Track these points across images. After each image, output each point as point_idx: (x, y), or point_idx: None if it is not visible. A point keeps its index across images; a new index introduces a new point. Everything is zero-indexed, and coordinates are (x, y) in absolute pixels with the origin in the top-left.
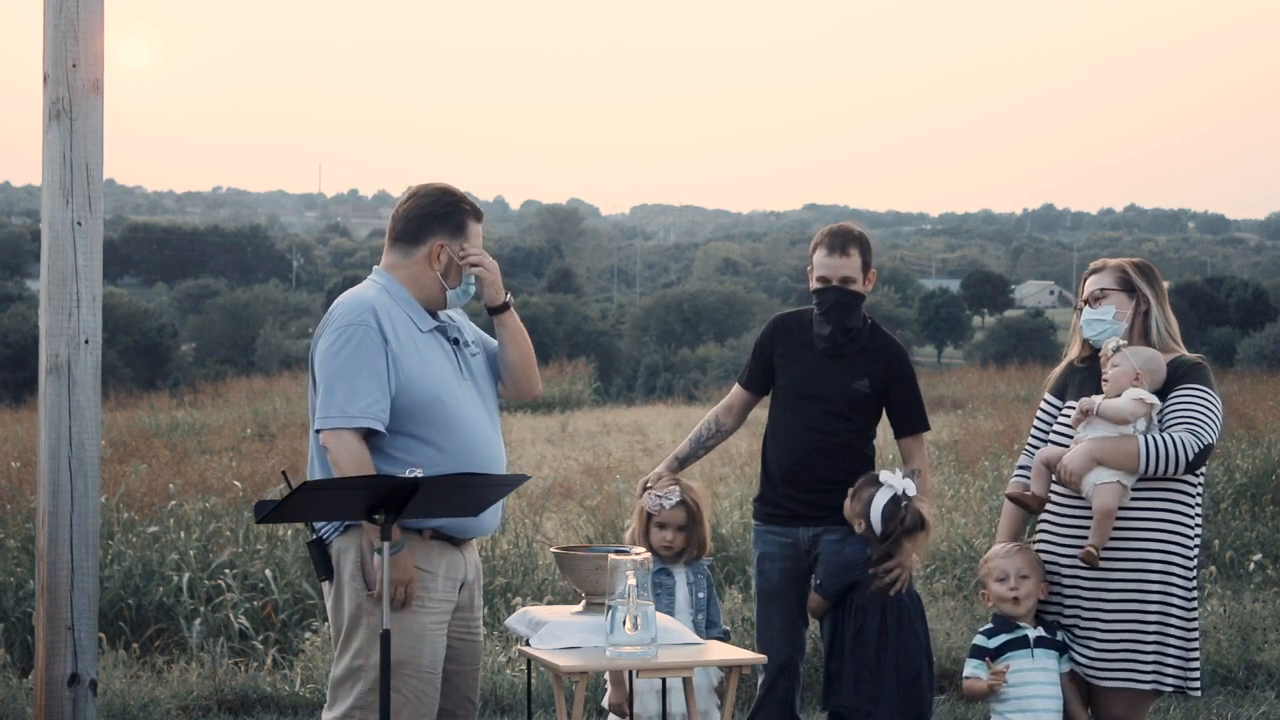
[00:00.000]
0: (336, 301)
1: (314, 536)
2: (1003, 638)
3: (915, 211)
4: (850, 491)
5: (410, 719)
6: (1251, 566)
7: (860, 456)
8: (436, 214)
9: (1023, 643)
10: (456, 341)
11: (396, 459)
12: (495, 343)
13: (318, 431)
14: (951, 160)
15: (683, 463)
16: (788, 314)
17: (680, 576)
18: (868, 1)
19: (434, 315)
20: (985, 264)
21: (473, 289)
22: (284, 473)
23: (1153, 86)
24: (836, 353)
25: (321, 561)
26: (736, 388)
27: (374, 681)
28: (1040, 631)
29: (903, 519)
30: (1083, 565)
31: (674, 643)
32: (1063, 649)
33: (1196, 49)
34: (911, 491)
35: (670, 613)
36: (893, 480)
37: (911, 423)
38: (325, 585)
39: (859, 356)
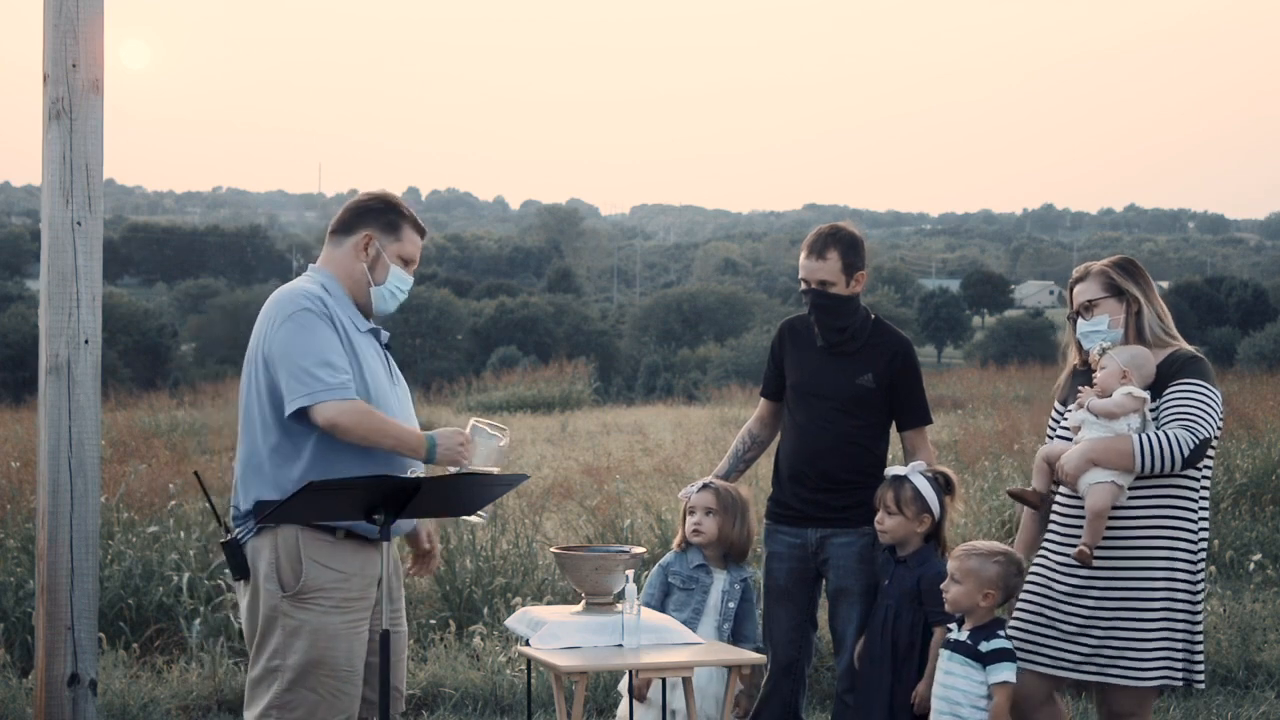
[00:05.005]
0: (276, 294)
1: (228, 537)
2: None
3: (915, 211)
4: (888, 509)
5: (326, 715)
6: (1251, 566)
7: (870, 456)
8: (372, 209)
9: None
10: (388, 347)
11: (324, 458)
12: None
13: (300, 410)
14: (951, 160)
15: (723, 479)
16: (794, 317)
17: (719, 580)
18: (867, 0)
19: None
20: (985, 264)
21: (400, 298)
22: (195, 473)
23: (1152, 86)
24: (839, 350)
25: (237, 562)
26: (761, 399)
27: (290, 681)
28: (962, 636)
29: (945, 487)
30: (1100, 571)
31: (674, 643)
32: (989, 659)
33: (1196, 48)
34: (922, 468)
35: (700, 611)
36: (907, 469)
37: (915, 416)
38: (240, 585)
39: (862, 353)
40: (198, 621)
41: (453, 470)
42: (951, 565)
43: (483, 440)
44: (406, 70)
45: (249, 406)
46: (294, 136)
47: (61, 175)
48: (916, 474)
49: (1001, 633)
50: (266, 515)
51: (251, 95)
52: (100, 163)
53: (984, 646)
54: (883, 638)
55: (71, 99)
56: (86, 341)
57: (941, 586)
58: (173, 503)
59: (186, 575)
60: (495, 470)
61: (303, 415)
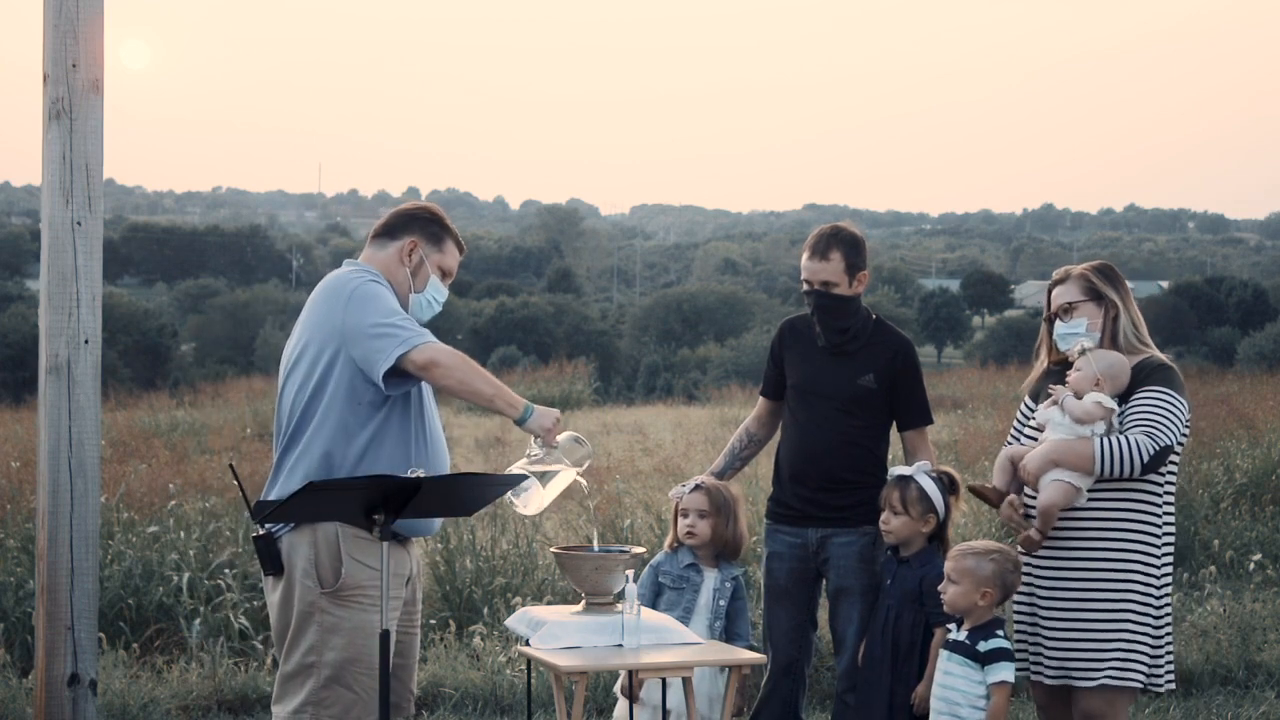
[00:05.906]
0: (329, 282)
1: (262, 532)
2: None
3: (915, 211)
4: (893, 509)
5: (362, 714)
6: (1251, 566)
7: (870, 456)
8: (418, 218)
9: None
10: None
11: (380, 436)
12: None
13: (393, 368)
14: (951, 160)
15: (718, 477)
16: (795, 316)
17: (709, 578)
18: (867, 0)
19: None
20: (985, 264)
21: (436, 309)
22: (230, 464)
23: (1152, 85)
24: (840, 350)
25: (270, 557)
26: (760, 398)
27: (327, 679)
28: (960, 636)
29: (949, 487)
30: (1060, 572)
31: (674, 643)
32: (986, 659)
33: (1196, 48)
34: (927, 468)
35: (690, 610)
36: (912, 469)
37: (915, 416)
38: (270, 581)
39: (863, 353)
40: (198, 621)
41: (532, 452)
42: (948, 566)
43: (567, 446)
44: (406, 70)
45: (315, 394)
46: (294, 136)
47: (61, 175)
48: (921, 474)
49: (1000, 632)
50: (265, 516)
51: (251, 95)
52: (100, 163)
53: (982, 646)
54: (884, 638)
55: (71, 99)
56: (86, 341)
57: (939, 588)
58: (173, 503)
59: (186, 575)
60: (559, 469)
61: (392, 377)
